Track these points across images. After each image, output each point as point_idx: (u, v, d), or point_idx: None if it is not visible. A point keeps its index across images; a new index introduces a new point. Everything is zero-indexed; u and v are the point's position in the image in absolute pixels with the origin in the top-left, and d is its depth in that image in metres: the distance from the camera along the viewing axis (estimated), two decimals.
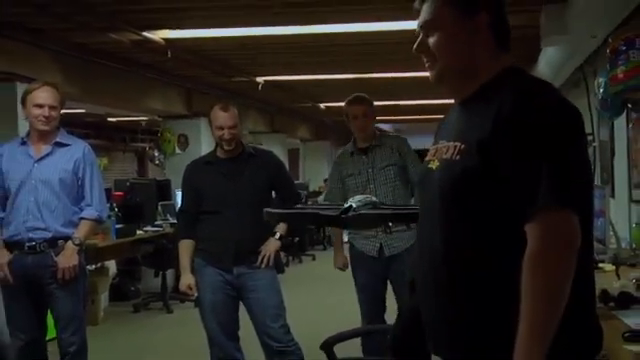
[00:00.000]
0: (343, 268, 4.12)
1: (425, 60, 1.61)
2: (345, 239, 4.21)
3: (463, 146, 1.48)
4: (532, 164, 1.38)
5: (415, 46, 1.61)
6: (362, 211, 1.86)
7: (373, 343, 3.68)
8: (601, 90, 3.94)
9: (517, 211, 1.40)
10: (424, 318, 1.62)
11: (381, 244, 3.84)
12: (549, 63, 5.69)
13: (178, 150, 8.56)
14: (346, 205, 1.85)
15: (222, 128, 3.49)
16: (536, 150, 1.39)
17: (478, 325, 1.47)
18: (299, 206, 2.15)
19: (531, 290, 1.36)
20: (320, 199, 12.59)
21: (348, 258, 4.08)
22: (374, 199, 2.01)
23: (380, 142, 3.98)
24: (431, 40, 1.57)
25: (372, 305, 3.98)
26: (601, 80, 3.97)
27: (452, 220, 1.49)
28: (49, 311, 3.56)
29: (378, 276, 3.94)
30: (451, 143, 1.53)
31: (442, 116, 1.80)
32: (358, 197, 1.92)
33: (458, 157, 1.48)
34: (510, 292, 1.40)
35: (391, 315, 4.09)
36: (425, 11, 1.58)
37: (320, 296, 7.56)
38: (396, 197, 3.89)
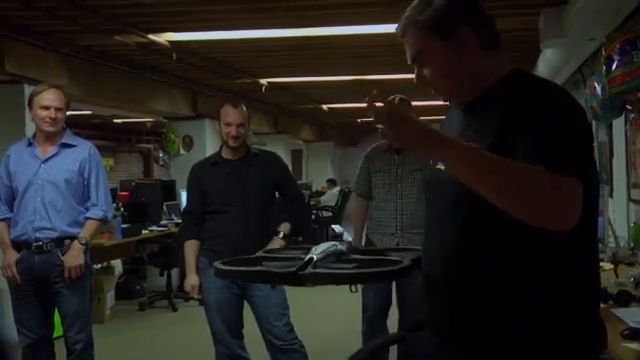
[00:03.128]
0: None
1: (429, 88, 1.62)
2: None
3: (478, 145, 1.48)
4: (548, 157, 1.38)
5: (415, 81, 1.63)
6: (319, 270, 1.61)
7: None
8: (598, 91, 3.98)
9: None
10: (431, 316, 1.63)
11: (398, 242, 3.90)
12: (548, 65, 5.72)
13: (183, 151, 8.61)
14: (307, 257, 1.64)
15: (230, 125, 3.51)
16: (553, 144, 1.40)
17: (490, 320, 1.49)
18: (259, 254, 1.92)
19: (512, 166, 1.37)
20: (323, 199, 12.66)
21: None
22: (340, 247, 1.75)
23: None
24: (425, 72, 1.59)
25: (375, 297, 4.06)
26: (596, 83, 4.00)
27: (466, 219, 1.51)
28: (56, 309, 3.60)
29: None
30: None
31: (441, 117, 1.83)
32: (323, 246, 1.71)
33: None
34: (524, 287, 1.43)
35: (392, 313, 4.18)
36: (410, 45, 1.59)
37: (323, 295, 7.53)
38: (420, 203, 3.93)
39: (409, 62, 1.63)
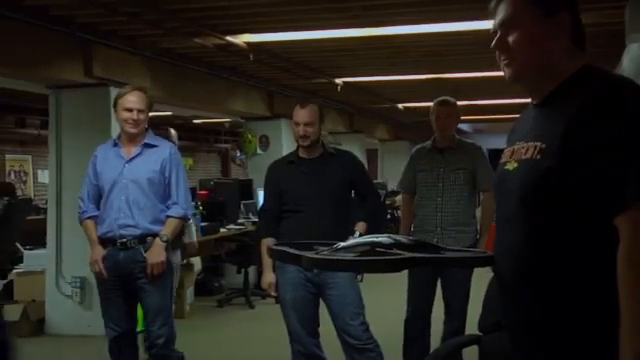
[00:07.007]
0: None
1: (502, 58, 1.59)
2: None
3: (544, 145, 1.47)
4: (621, 160, 1.37)
5: (493, 43, 1.59)
6: (334, 255, 1.57)
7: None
8: None
9: (603, 208, 1.38)
10: (505, 321, 1.62)
11: (437, 240, 3.90)
12: (633, 60, 5.48)
13: (259, 150, 8.74)
14: (343, 243, 1.60)
15: (299, 124, 3.54)
16: (625, 145, 1.37)
17: (562, 325, 1.47)
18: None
19: (627, 290, 1.34)
20: (398, 198, 12.55)
21: None
22: (381, 239, 1.63)
23: (457, 145, 4.11)
24: (511, 38, 1.55)
25: (418, 295, 4.17)
26: None
27: (533, 220, 1.49)
28: (139, 304, 3.72)
29: (428, 269, 4.02)
30: (530, 143, 1.52)
31: (518, 115, 1.80)
32: (364, 238, 1.66)
33: (539, 157, 1.47)
34: (594, 291, 1.41)
35: (437, 313, 4.18)
36: (503, 9, 1.57)
37: (399, 295, 7.50)
38: (461, 201, 4.03)
39: (494, 26, 1.59)
